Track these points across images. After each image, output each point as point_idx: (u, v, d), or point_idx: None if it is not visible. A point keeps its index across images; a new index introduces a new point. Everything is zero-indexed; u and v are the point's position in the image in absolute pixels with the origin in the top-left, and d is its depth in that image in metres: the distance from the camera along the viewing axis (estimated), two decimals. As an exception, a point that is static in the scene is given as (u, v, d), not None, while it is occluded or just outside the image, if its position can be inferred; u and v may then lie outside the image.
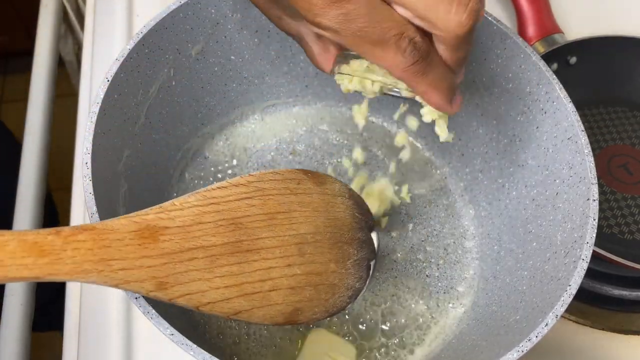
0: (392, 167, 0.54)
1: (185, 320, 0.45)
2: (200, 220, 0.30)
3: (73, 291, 0.48)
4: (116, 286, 0.26)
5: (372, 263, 0.39)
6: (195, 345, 0.30)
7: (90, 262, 0.25)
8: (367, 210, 0.39)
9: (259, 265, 0.32)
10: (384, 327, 0.46)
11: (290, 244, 0.34)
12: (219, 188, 0.32)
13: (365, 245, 0.39)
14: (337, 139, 0.55)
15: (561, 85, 0.42)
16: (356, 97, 0.56)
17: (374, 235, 0.40)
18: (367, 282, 0.38)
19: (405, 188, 0.53)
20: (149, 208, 0.29)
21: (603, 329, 0.51)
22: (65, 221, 0.53)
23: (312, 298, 0.34)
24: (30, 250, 0.24)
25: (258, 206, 0.33)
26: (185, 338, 0.31)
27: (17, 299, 0.50)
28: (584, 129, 0.40)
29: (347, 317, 0.46)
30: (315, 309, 0.35)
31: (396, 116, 0.55)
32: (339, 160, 0.54)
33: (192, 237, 0.29)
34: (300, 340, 0.45)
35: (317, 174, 0.38)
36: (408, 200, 0.53)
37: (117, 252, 0.26)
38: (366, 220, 0.39)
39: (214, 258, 0.30)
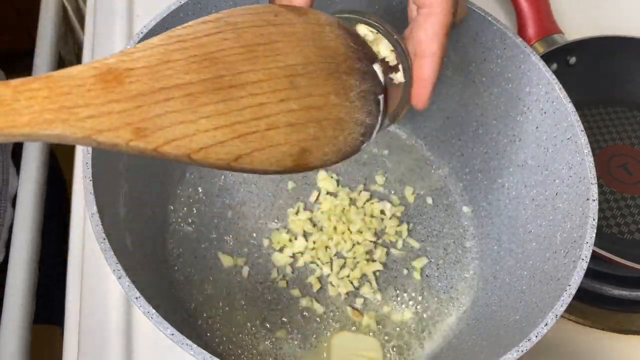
0: (392, 167, 0.55)
1: (186, 322, 0.45)
2: (168, 59, 0.27)
3: (73, 291, 0.48)
4: (89, 138, 0.24)
5: (380, 97, 0.35)
6: (195, 345, 0.31)
7: (50, 110, 0.23)
8: (363, 41, 0.36)
9: (248, 102, 0.29)
10: (383, 327, 0.47)
11: (279, 76, 0.30)
12: (183, 27, 0.29)
13: (368, 77, 0.35)
14: (337, 139, 0.55)
15: (561, 86, 0.42)
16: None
17: (376, 68, 0.36)
18: (379, 118, 0.35)
19: (409, 190, 0.53)
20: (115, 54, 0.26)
21: (603, 329, 0.51)
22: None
23: (318, 136, 0.32)
24: None
25: (232, 39, 0.30)
26: (185, 338, 0.31)
27: (17, 299, 0.50)
28: (583, 129, 0.40)
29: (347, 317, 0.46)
30: (326, 149, 0.32)
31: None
32: (339, 160, 0.54)
33: (162, 77, 0.27)
34: (326, 351, 0.45)
35: (297, 7, 0.34)
36: (412, 201, 0.53)
37: (80, 99, 0.24)
38: (364, 51, 0.36)
39: (192, 97, 0.27)
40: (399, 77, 0.37)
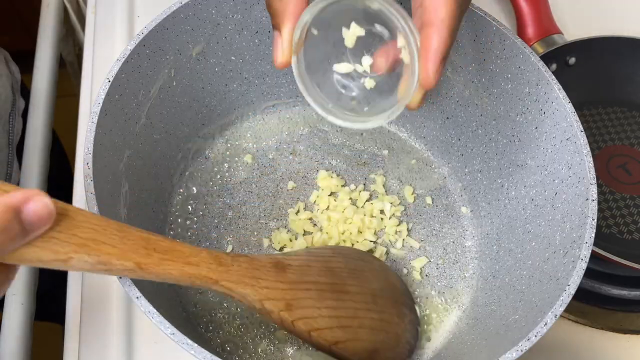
0: (392, 167, 0.55)
1: (187, 321, 0.45)
2: (309, 264, 0.40)
3: (74, 292, 0.48)
4: (260, 301, 0.35)
5: (417, 328, 0.46)
6: (196, 345, 0.31)
7: (247, 277, 0.35)
8: (405, 285, 0.48)
9: (349, 305, 0.41)
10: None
11: (367, 293, 0.42)
12: (316, 249, 0.47)
13: (412, 311, 0.46)
14: (338, 139, 0.56)
15: (560, 86, 0.42)
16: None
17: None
18: (415, 344, 0.45)
19: (408, 190, 0.53)
20: (276, 253, 0.42)
21: (602, 328, 0.51)
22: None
23: (384, 341, 0.42)
24: (214, 259, 0.33)
25: (342, 262, 0.43)
26: (186, 337, 0.31)
27: (18, 298, 0.50)
28: (582, 130, 0.40)
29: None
30: (388, 354, 0.42)
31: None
32: (338, 160, 0.54)
33: (307, 274, 0.39)
34: None
35: (370, 254, 0.49)
36: (411, 201, 0.53)
37: (263, 274, 0.36)
38: (407, 290, 0.48)
39: (321, 292, 0.39)
40: (405, 56, 0.35)
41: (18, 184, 0.59)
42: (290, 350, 0.45)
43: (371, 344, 0.41)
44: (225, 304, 0.46)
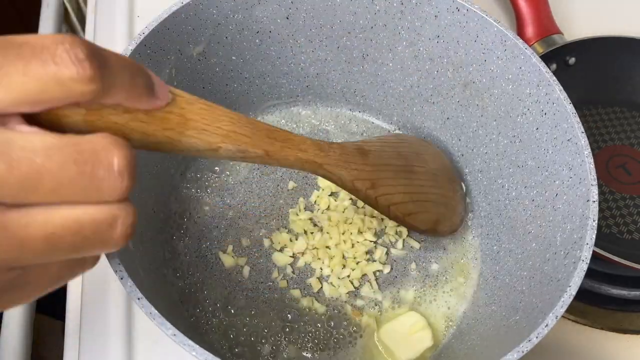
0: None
1: (187, 322, 0.45)
2: (383, 149, 0.46)
3: (75, 292, 0.49)
4: (352, 181, 0.41)
5: (467, 200, 0.53)
6: (197, 346, 0.31)
7: (342, 161, 0.40)
8: (455, 167, 0.54)
9: (417, 182, 0.47)
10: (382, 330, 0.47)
11: (429, 172, 0.49)
12: (385, 135, 0.55)
13: (461, 187, 0.53)
14: (338, 139, 0.56)
15: (561, 87, 0.42)
16: (359, 100, 0.56)
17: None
18: (465, 215, 0.52)
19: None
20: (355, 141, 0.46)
21: (602, 329, 0.51)
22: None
23: (444, 213, 0.49)
24: (317, 146, 0.38)
25: (407, 147, 0.50)
26: (187, 338, 0.31)
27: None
28: (583, 131, 0.40)
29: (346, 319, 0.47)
30: (447, 223, 0.49)
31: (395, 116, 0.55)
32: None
33: (382, 157, 0.45)
34: (375, 348, 0.46)
35: (424, 140, 0.54)
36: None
37: (352, 159, 0.41)
38: (458, 171, 0.54)
39: (395, 172, 0.46)
40: None
41: None
42: (290, 351, 0.45)
43: (435, 215, 0.48)
44: (226, 304, 0.46)
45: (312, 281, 0.48)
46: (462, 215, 0.51)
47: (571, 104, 0.41)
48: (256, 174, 0.53)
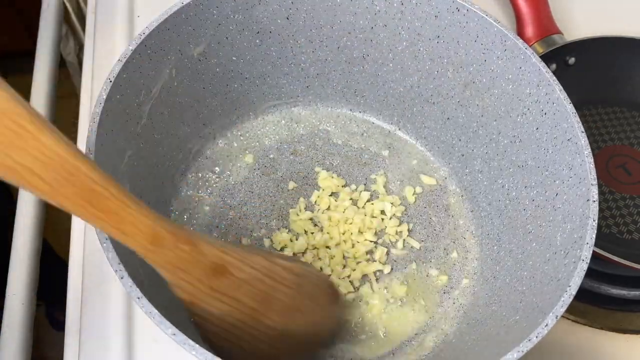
0: (393, 167, 0.55)
1: (188, 322, 0.45)
2: (253, 283, 0.38)
3: (74, 292, 0.49)
4: (171, 285, 0.34)
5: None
6: (198, 345, 0.31)
7: (172, 265, 0.33)
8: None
9: (250, 333, 0.39)
10: (383, 330, 0.47)
11: (279, 331, 0.40)
12: (298, 267, 0.44)
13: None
14: (339, 139, 0.56)
15: (561, 87, 0.42)
16: (359, 100, 0.56)
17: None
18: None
19: (409, 191, 0.53)
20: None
21: (602, 328, 0.51)
22: (67, 223, 0.53)
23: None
24: (152, 239, 0.31)
25: (289, 296, 0.41)
26: (187, 338, 0.31)
27: (18, 298, 0.50)
28: (583, 131, 0.40)
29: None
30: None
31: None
32: (339, 160, 0.55)
33: (239, 290, 0.37)
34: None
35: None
36: (412, 201, 0.53)
37: (194, 271, 0.34)
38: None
39: (235, 311, 0.37)
40: None
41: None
42: None
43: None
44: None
45: (313, 281, 0.48)
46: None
47: (571, 104, 0.41)
48: (257, 174, 0.53)
